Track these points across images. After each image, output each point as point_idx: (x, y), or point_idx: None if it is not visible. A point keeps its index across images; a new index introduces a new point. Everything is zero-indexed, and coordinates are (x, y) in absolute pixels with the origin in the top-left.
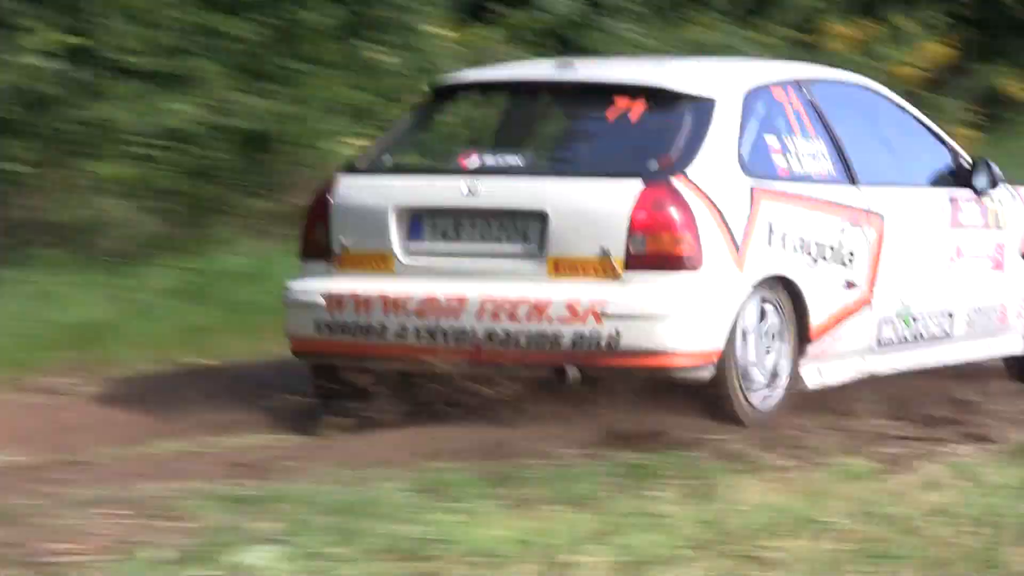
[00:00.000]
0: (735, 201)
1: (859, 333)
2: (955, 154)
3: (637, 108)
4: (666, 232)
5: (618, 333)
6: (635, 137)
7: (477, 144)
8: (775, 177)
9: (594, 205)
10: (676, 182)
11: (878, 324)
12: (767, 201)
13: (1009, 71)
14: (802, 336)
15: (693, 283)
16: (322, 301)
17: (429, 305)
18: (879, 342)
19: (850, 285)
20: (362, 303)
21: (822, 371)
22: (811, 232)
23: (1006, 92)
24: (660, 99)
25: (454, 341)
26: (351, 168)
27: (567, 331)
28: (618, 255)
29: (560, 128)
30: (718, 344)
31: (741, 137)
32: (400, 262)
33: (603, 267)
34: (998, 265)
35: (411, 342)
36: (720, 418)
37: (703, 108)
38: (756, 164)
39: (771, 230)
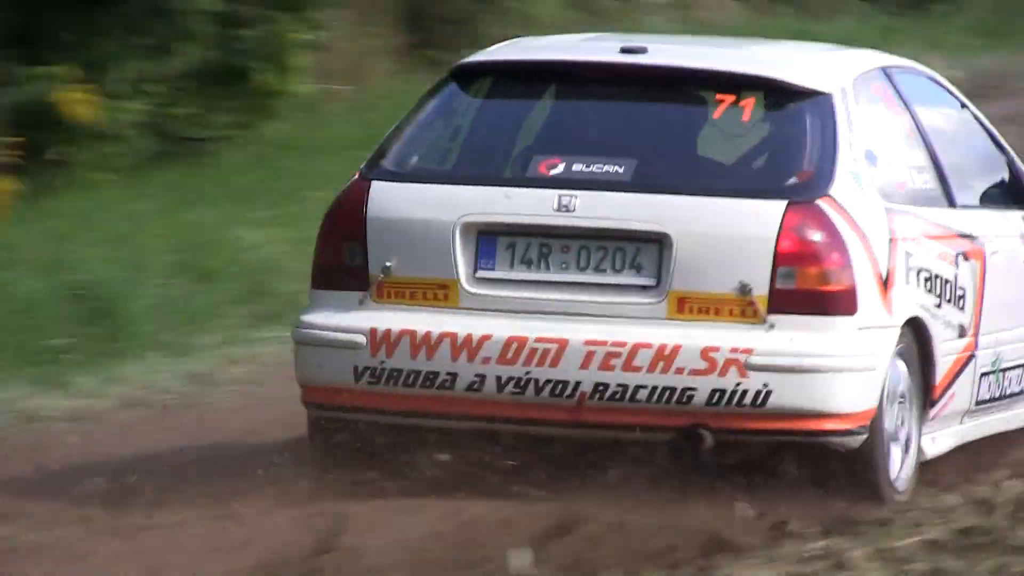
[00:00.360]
0: (877, 227)
1: (965, 391)
2: (1013, 162)
3: (748, 105)
4: (821, 265)
5: (767, 388)
6: (755, 142)
7: (540, 145)
8: (897, 195)
9: (731, 230)
10: (824, 204)
11: (978, 379)
12: (901, 226)
13: (65, 73)
14: (927, 396)
15: (851, 328)
16: (363, 340)
17: (517, 349)
18: (977, 401)
19: (963, 332)
20: (422, 344)
21: (935, 439)
22: (936, 267)
23: (63, 109)
24: (771, 94)
25: (550, 395)
26: (386, 173)
27: (702, 385)
28: (761, 292)
29: (654, 130)
30: (873, 403)
31: (864, 144)
32: (467, 292)
33: (742, 307)
34: None
35: (490, 395)
36: (858, 498)
37: (823, 106)
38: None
39: (908, 264)
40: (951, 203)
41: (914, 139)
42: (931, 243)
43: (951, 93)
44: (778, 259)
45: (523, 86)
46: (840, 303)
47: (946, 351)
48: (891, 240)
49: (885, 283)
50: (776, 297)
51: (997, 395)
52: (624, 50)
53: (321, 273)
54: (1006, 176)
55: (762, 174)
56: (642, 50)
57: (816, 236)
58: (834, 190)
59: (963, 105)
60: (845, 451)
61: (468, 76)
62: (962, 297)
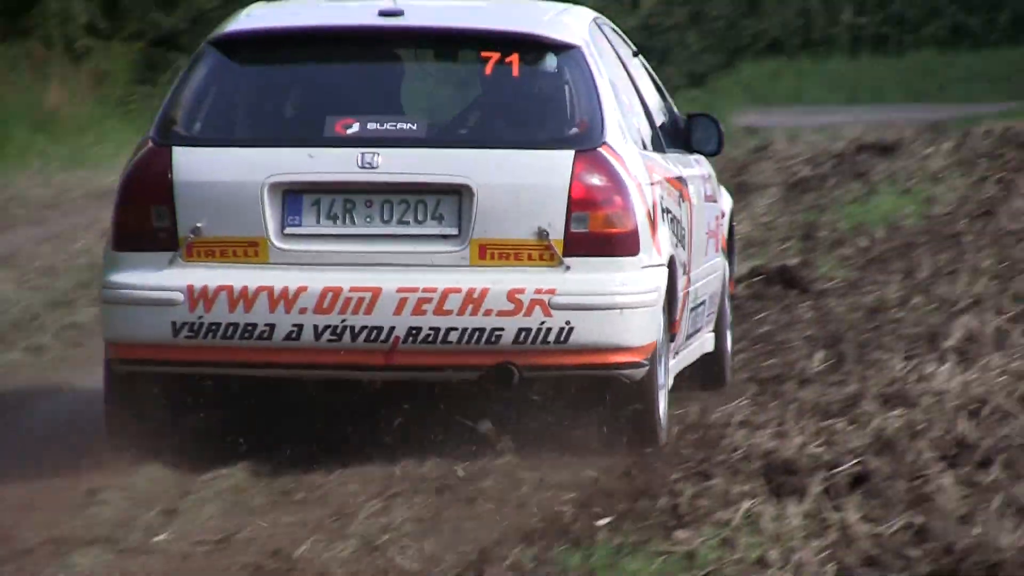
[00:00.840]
0: (641, 172)
1: (685, 327)
2: (671, 107)
3: (513, 61)
4: (609, 209)
5: (569, 326)
6: (528, 96)
7: (328, 105)
8: (639, 142)
9: (526, 179)
10: (604, 152)
11: (689, 315)
12: (651, 171)
13: None
14: (671, 329)
15: (636, 267)
16: (181, 296)
17: (332, 299)
18: (686, 337)
19: (685, 271)
20: (239, 298)
21: (671, 371)
22: (674, 209)
23: None
24: (530, 49)
25: (365, 341)
26: (185, 139)
27: (509, 325)
28: (557, 237)
29: (434, 88)
30: (656, 336)
31: (614, 94)
32: (276, 248)
33: (540, 251)
34: (718, 247)
35: (307, 343)
36: (631, 435)
37: (579, 59)
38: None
39: (662, 207)
40: (662, 148)
41: (631, 88)
42: (668, 186)
43: (627, 42)
44: (572, 205)
45: (293, 52)
46: (626, 244)
47: (680, 288)
48: (651, 184)
49: (653, 225)
50: (571, 241)
51: (692, 331)
52: (382, 13)
53: (124, 236)
54: (671, 120)
55: (545, 126)
56: (399, 12)
57: (602, 182)
58: (609, 138)
59: (635, 53)
60: (632, 384)
61: (231, 45)
62: (683, 238)
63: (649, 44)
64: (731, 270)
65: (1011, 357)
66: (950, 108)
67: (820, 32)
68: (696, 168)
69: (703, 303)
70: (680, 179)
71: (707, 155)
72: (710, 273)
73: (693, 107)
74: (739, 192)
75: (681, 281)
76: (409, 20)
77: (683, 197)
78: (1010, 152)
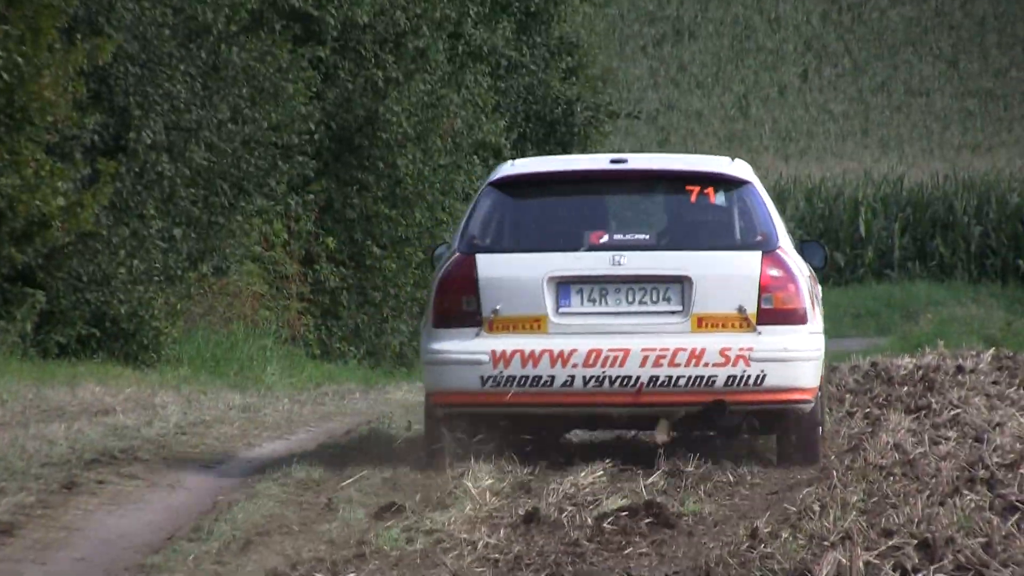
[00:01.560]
0: (803, 268)
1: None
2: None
3: (710, 192)
4: (785, 292)
5: (763, 373)
6: (724, 215)
7: (583, 223)
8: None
9: (729, 271)
10: (780, 252)
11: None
12: (805, 270)
13: None
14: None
15: (806, 333)
16: (486, 358)
17: (595, 357)
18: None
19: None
20: (528, 358)
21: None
22: (817, 295)
23: None
24: (721, 184)
25: (619, 387)
26: (483, 248)
27: (720, 373)
28: (752, 311)
29: (658, 210)
30: (818, 382)
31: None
32: (553, 323)
33: (740, 321)
34: None
35: (576, 389)
36: (802, 453)
37: (753, 191)
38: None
39: (814, 293)
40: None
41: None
42: (812, 280)
43: None
44: (761, 290)
45: (553, 188)
46: (798, 316)
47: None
48: (807, 277)
49: (813, 304)
50: (762, 314)
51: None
52: (613, 161)
53: (441, 317)
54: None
55: (739, 235)
56: (625, 160)
57: (780, 274)
58: (781, 244)
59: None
60: (804, 415)
61: (507, 185)
62: (821, 316)
63: None
64: None
65: None
66: None
67: None
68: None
69: None
70: (813, 277)
71: (815, 268)
72: None
73: None
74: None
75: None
76: (632, 165)
77: (816, 283)
78: (877, 387)
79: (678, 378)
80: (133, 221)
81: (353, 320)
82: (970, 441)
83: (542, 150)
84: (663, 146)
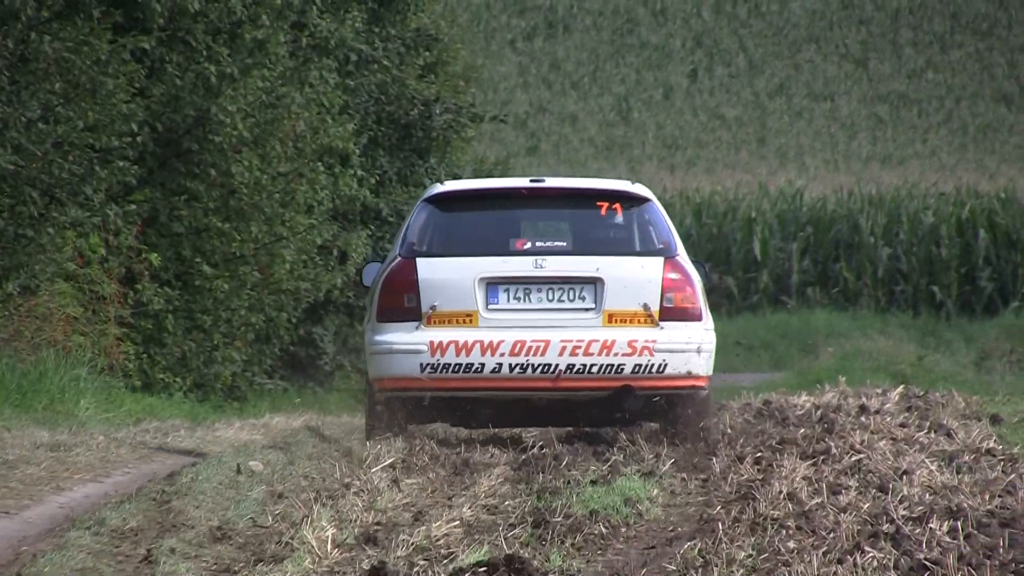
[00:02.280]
0: (695, 273)
1: None
2: None
3: (618, 207)
4: (684, 294)
5: (665, 362)
6: (628, 227)
7: (509, 233)
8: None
9: (635, 274)
10: (678, 259)
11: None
12: (694, 270)
13: None
14: None
15: (701, 329)
16: (425, 348)
17: (520, 347)
18: None
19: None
20: (462, 348)
21: None
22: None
23: None
24: (627, 200)
25: (540, 373)
26: (421, 253)
27: (628, 362)
28: (655, 308)
29: (572, 221)
30: (711, 371)
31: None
32: (483, 317)
33: (645, 317)
34: None
35: (504, 375)
36: (695, 430)
37: (653, 207)
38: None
39: (704, 295)
40: None
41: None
42: (702, 283)
43: None
44: (663, 291)
45: (481, 203)
46: (695, 314)
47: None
48: (698, 279)
49: (706, 304)
50: (663, 311)
51: None
52: (532, 180)
53: (384, 312)
54: None
55: (643, 243)
56: (542, 180)
57: (679, 277)
58: (679, 252)
59: None
60: (699, 399)
61: (438, 200)
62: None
63: (361, 304)
64: None
65: None
66: None
67: None
68: None
69: None
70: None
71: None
72: None
73: None
74: (460, 472)
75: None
76: (548, 184)
77: (703, 294)
78: (770, 428)
79: (591, 366)
80: None
81: (179, 348)
82: (873, 491)
83: (395, 156)
84: (533, 153)
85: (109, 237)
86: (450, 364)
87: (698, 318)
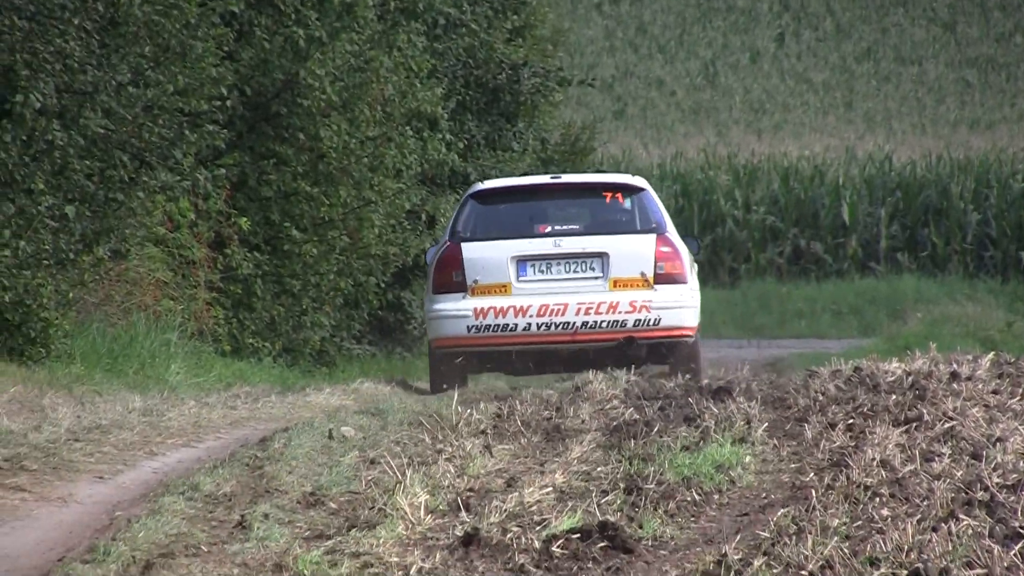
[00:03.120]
0: (684, 247)
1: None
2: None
3: (620, 196)
4: (673, 263)
5: (659, 317)
6: (628, 212)
7: (533, 220)
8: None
9: (635, 248)
10: (668, 235)
11: None
12: (685, 248)
13: None
14: None
15: (687, 290)
16: (471, 312)
17: (544, 309)
18: None
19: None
20: (500, 312)
21: None
22: (693, 264)
23: None
24: (628, 190)
25: (561, 330)
26: (465, 238)
27: (631, 318)
28: (650, 275)
29: (584, 208)
30: (697, 323)
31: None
32: (515, 287)
33: (643, 282)
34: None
35: (532, 332)
36: (688, 369)
37: (648, 194)
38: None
39: (691, 263)
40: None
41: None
42: (691, 255)
43: None
44: (656, 260)
45: (513, 196)
46: (681, 279)
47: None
48: (687, 251)
49: (691, 270)
50: (657, 277)
51: None
52: (552, 177)
53: (438, 286)
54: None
55: (640, 224)
56: (559, 176)
57: (669, 250)
58: (668, 230)
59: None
60: (688, 346)
61: (481, 195)
62: (696, 277)
63: None
64: None
65: None
66: (790, 344)
67: None
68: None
69: None
70: (690, 252)
71: (693, 253)
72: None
73: None
74: (552, 438)
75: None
76: (564, 179)
77: (693, 261)
78: (861, 395)
79: (601, 322)
80: (19, 197)
81: (268, 312)
82: (967, 458)
83: (483, 120)
84: (619, 118)
85: (198, 201)
86: (490, 325)
87: (684, 281)
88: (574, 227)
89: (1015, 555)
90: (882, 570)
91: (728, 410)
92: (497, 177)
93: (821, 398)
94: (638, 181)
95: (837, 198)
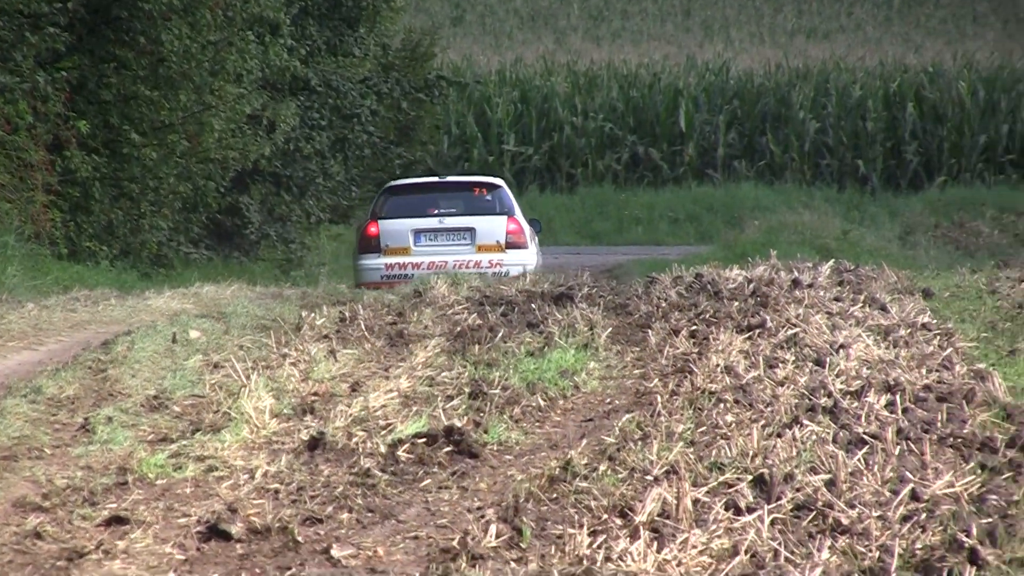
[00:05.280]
0: (527, 226)
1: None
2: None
3: (485, 190)
4: (518, 235)
5: (506, 269)
6: (489, 201)
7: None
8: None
9: (494, 226)
10: (517, 216)
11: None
12: (525, 223)
13: None
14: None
15: (529, 253)
16: (383, 265)
17: (432, 264)
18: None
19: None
20: (403, 266)
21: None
22: (534, 236)
23: None
24: (490, 187)
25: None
26: (382, 217)
27: (491, 270)
28: (502, 243)
29: (459, 197)
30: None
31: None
32: (413, 250)
33: (499, 248)
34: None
35: (424, 278)
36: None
37: (504, 190)
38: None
39: (531, 234)
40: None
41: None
42: (532, 230)
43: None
44: (507, 234)
45: (414, 190)
46: (523, 245)
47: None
48: (530, 228)
49: (532, 240)
50: (507, 244)
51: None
52: (439, 177)
53: (363, 248)
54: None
55: (497, 209)
56: (443, 175)
57: (515, 227)
58: (517, 214)
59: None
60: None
61: (392, 189)
62: (537, 244)
63: (287, 173)
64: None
65: (711, 535)
66: (628, 250)
67: (479, 163)
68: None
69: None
70: (534, 233)
71: (536, 231)
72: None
73: (337, 243)
74: (396, 343)
75: (538, 258)
76: (448, 179)
77: (533, 233)
78: (703, 302)
79: (471, 274)
80: None
81: (106, 215)
82: (810, 365)
83: (325, 26)
84: (458, 24)
85: (37, 104)
86: (396, 274)
87: (526, 247)
88: (453, 210)
89: (858, 460)
90: (727, 475)
91: (571, 316)
92: (341, 75)
93: (663, 304)
94: (497, 181)
95: (675, 106)
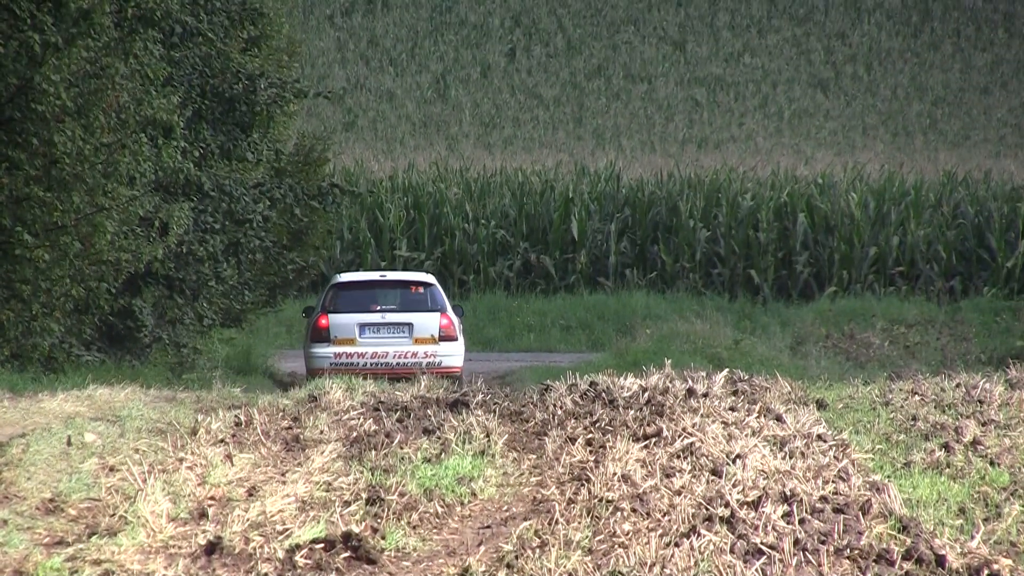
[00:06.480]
0: (456, 320)
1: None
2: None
3: (420, 288)
4: (448, 332)
5: (440, 361)
6: (424, 298)
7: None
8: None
9: (428, 322)
10: (449, 313)
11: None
12: (455, 316)
13: None
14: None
15: (458, 346)
16: (332, 354)
17: (376, 354)
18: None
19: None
20: (350, 356)
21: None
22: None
23: None
24: (425, 285)
25: (384, 368)
26: (331, 311)
27: (424, 360)
28: (436, 337)
29: (399, 295)
30: (463, 364)
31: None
32: (359, 341)
33: (433, 342)
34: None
35: (370, 367)
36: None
37: (436, 288)
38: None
39: (461, 328)
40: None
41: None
42: (460, 323)
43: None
44: (440, 328)
45: (358, 286)
46: (454, 338)
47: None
48: (459, 322)
49: (461, 334)
50: (440, 338)
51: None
52: (381, 274)
53: (313, 339)
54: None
55: (430, 306)
56: (385, 273)
57: (447, 322)
58: (448, 310)
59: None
60: (457, 378)
61: (340, 285)
62: (463, 338)
63: (180, 276)
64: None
65: None
66: (520, 357)
67: (372, 268)
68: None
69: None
70: (460, 321)
71: (460, 316)
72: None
73: (231, 348)
74: (292, 448)
75: (464, 347)
76: (389, 277)
77: (461, 322)
78: (599, 410)
79: (408, 363)
80: None
81: None
82: (707, 474)
83: (219, 130)
84: (350, 129)
85: None
86: (344, 363)
87: (456, 339)
88: (393, 307)
89: (756, 571)
90: None
91: (467, 423)
92: (234, 180)
93: (559, 412)
94: (429, 279)
95: (567, 213)
